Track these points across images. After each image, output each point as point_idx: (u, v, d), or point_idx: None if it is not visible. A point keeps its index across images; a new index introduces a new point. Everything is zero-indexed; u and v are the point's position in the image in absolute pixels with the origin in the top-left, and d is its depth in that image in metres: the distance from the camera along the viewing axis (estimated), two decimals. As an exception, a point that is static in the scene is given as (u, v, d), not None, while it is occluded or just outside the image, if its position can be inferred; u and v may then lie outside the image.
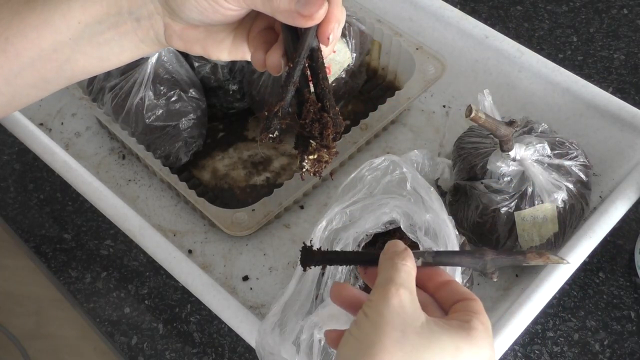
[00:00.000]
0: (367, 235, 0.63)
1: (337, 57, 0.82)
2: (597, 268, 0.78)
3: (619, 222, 0.72)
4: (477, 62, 0.90)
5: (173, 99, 0.81)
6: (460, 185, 0.73)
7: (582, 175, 0.71)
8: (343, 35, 0.83)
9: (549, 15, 1.03)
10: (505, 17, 1.03)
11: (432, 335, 0.44)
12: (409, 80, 0.84)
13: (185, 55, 0.85)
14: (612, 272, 0.78)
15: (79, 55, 0.48)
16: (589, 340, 0.74)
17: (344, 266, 0.63)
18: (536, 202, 0.69)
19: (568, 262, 0.53)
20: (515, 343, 0.70)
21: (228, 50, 0.50)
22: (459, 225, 0.73)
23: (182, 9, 0.46)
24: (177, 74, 0.83)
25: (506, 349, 0.64)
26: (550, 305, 0.74)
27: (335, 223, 0.63)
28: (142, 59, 0.80)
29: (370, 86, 0.92)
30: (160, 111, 0.81)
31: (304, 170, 0.47)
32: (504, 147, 0.67)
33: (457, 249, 0.61)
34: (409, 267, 0.47)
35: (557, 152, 0.71)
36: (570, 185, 0.70)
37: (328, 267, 0.63)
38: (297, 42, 0.46)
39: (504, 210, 0.69)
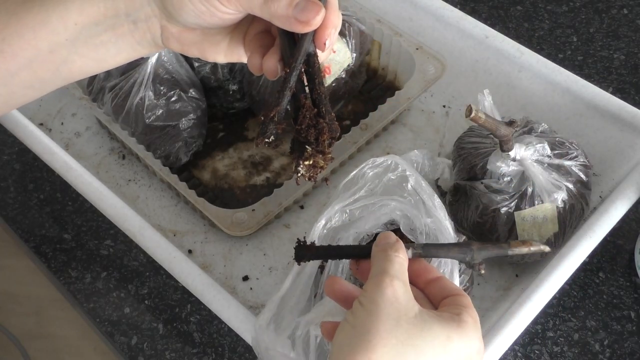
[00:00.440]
0: (367, 235, 0.63)
1: (337, 57, 0.82)
2: (597, 268, 0.78)
3: (619, 222, 0.72)
4: (477, 62, 0.90)
5: (173, 99, 0.81)
6: (460, 185, 0.73)
7: (582, 175, 0.71)
8: (343, 35, 0.83)
9: (549, 15, 1.03)
10: (505, 17, 1.03)
11: (425, 324, 0.46)
12: (409, 80, 0.84)
13: (185, 56, 0.85)
14: (612, 272, 0.78)
15: (75, 56, 0.49)
16: (589, 340, 0.74)
17: (343, 265, 0.63)
18: (536, 202, 0.69)
19: (549, 250, 0.55)
20: (515, 343, 0.70)
21: (224, 53, 0.51)
22: (459, 225, 0.73)
23: (179, 12, 0.46)
24: (177, 74, 0.83)
25: (506, 349, 0.64)
26: (550, 305, 0.74)
27: (335, 221, 0.63)
28: (142, 58, 0.80)
29: (370, 86, 0.92)
30: (160, 111, 0.81)
31: (299, 175, 0.48)
32: (504, 147, 0.67)
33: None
34: (401, 259, 0.50)
35: (557, 152, 0.71)
36: (570, 185, 0.70)
37: (328, 265, 0.63)
38: (294, 47, 0.47)
39: (504, 210, 0.69)
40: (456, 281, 0.60)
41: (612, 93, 0.86)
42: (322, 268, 0.64)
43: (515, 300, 0.67)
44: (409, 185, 0.63)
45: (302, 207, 0.82)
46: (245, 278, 0.77)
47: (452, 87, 0.91)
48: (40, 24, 0.47)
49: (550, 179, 0.69)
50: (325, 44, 0.46)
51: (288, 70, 0.46)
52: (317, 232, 0.63)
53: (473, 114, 0.62)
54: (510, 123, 0.66)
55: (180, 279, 0.71)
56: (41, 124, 0.90)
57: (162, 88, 0.81)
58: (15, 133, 0.82)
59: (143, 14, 0.47)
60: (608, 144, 0.81)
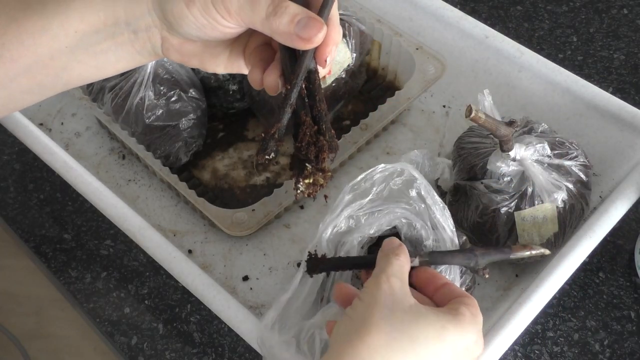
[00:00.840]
0: (370, 238, 0.63)
1: (337, 57, 0.82)
2: (597, 268, 0.78)
3: (619, 222, 0.72)
4: (477, 62, 0.90)
5: (173, 99, 0.81)
6: (460, 185, 0.73)
7: (582, 175, 0.71)
8: (343, 35, 0.83)
9: (549, 15, 1.03)
10: (505, 17, 1.03)
11: (420, 314, 0.48)
12: (409, 80, 0.84)
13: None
14: (612, 272, 0.78)
15: (75, 63, 0.49)
16: (589, 340, 0.74)
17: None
18: (536, 202, 0.69)
19: (549, 252, 0.57)
20: (515, 343, 0.70)
21: (224, 65, 0.51)
22: (459, 225, 0.73)
23: (180, 24, 0.46)
24: (177, 74, 0.83)
25: (506, 349, 0.64)
26: (550, 305, 0.74)
27: (341, 227, 0.64)
28: (142, 59, 0.80)
29: (370, 86, 0.92)
30: (160, 111, 0.81)
31: (299, 192, 0.48)
32: (504, 147, 0.67)
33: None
34: (401, 261, 0.52)
35: (557, 152, 0.71)
36: (570, 185, 0.70)
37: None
38: (295, 63, 0.47)
39: (504, 210, 0.69)
40: (458, 282, 0.61)
41: (612, 93, 0.86)
42: (328, 273, 0.65)
43: (515, 300, 0.67)
44: (414, 192, 0.63)
45: (302, 207, 0.82)
46: (245, 278, 0.77)
47: (452, 87, 0.91)
48: (41, 30, 0.47)
49: (550, 179, 0.69)
50: (326, 60, 0.47)
51: (289, 87, 0.46)
52: (325, 237, 0.63)
53: (473, 114, 0.62)
54: (510, 123, 0.66)
55: (180, 279, 0.71)
56: (41, 124, 0.90)
57: (162, 88, 0.81)
58: (15, 133, 0.82)
59: (143, 23, 0.47)
60: (608, 144, 0.81)
